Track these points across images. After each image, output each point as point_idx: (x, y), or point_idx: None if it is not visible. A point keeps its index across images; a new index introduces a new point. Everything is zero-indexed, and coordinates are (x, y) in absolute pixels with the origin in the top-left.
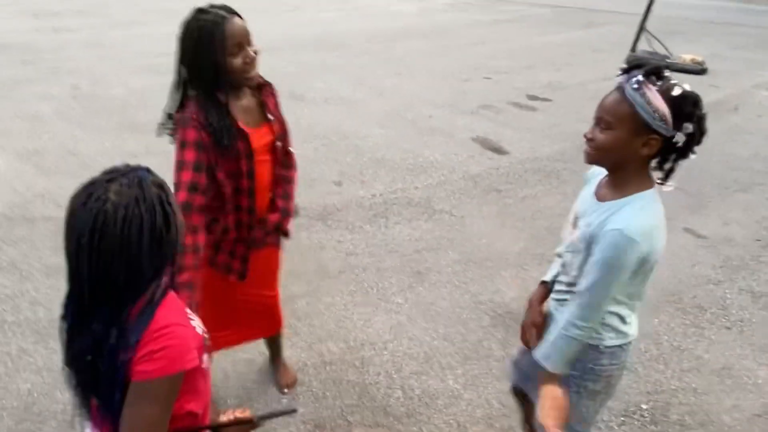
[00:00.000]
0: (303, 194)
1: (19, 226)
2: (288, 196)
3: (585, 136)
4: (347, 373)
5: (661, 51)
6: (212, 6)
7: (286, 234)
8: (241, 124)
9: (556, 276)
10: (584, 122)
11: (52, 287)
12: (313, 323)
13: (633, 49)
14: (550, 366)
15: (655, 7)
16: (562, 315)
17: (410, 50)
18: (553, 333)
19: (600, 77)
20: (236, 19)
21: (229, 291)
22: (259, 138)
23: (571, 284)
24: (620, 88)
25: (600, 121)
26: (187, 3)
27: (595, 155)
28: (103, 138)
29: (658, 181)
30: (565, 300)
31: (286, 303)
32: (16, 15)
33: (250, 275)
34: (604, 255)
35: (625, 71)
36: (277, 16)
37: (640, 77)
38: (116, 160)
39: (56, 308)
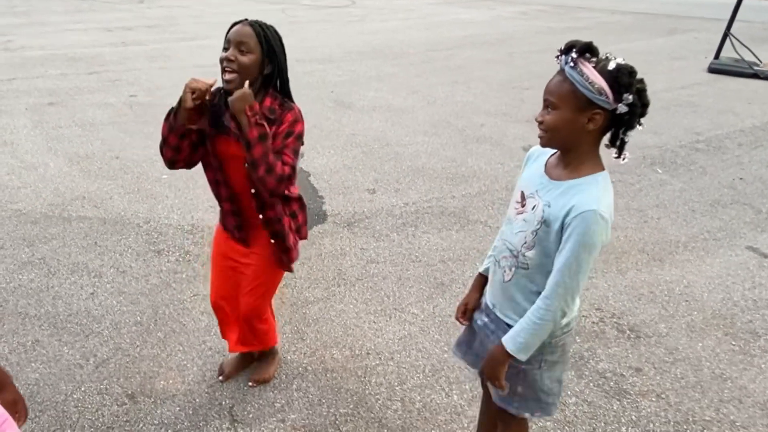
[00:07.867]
0: (334, 201)
1: (55, 225)
2: (280, 235)
3: (536, 119)
4: (347, 381)
5: (749, 58)
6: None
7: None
8: (232, 125)
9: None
10: (652, 133)
11: (75, 283)
12: (321, 329)
13: (717, 56)
14: (523, 356)
15: (751, 13)
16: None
17: (472, 59)
18: (525, 324)
19: (676, 86)
20: (245, 26)
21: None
22: (229, 145)
23: (515, 252)
24: (561, 70)
25: (546, 104)
26: (251, 17)
27: (547, 137)
28: (149, 144)
29: (614, 156)
30: (509, 265)
31: (299, 308)
32: (91, 30)
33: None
34: (583, 236)
35: (563, 52)
36: (341, 27)
37: (574, 55)
38: (156, 165)
39: (75, 303)
